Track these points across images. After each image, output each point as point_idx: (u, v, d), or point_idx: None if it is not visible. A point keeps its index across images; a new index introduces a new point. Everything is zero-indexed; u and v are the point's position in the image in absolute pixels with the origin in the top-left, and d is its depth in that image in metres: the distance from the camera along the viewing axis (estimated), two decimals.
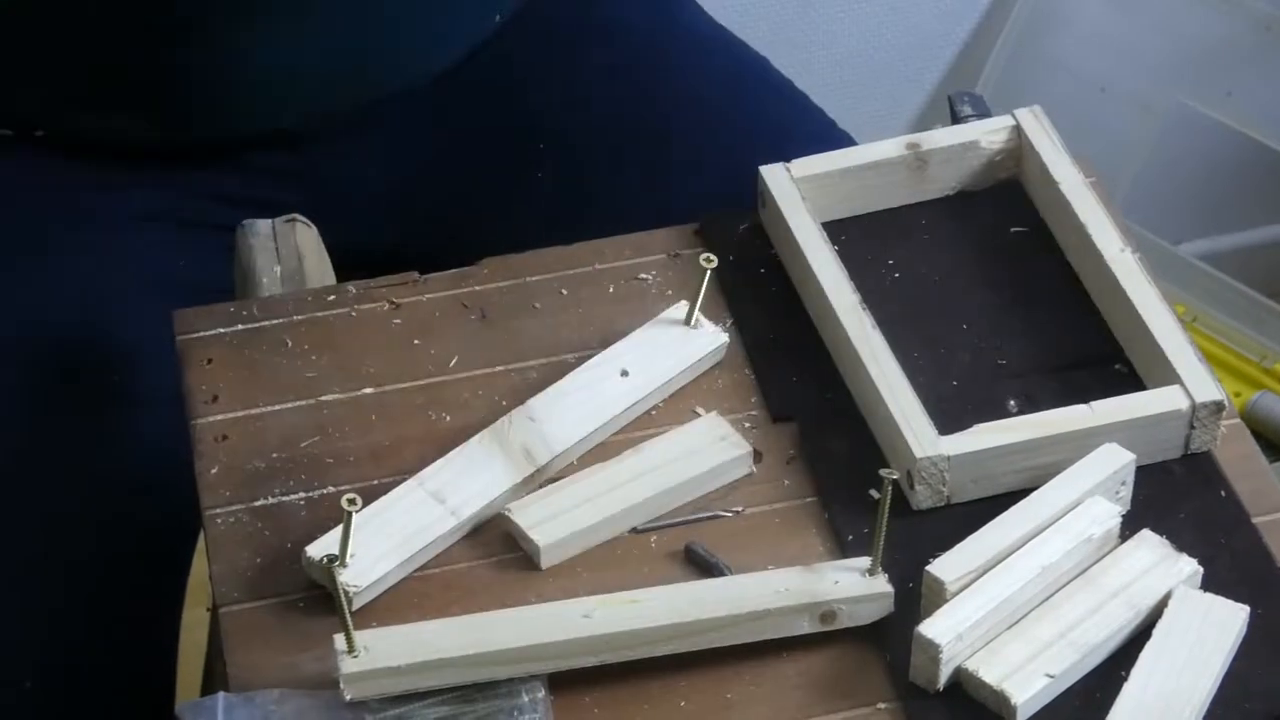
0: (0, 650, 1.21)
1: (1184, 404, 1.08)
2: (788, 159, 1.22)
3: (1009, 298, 1.18)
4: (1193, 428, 1.09)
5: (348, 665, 0.98)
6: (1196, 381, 1.09)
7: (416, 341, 1.17)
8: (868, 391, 1.10)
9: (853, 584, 1.02)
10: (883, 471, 0.99)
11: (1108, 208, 1.19)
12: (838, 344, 1.14)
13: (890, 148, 1.22)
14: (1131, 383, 1.13)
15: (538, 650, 0.99)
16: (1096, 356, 1.15)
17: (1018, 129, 1.23)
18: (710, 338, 1.15)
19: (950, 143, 1.22)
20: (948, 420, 1.08)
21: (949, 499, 1.07)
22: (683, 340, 1.14)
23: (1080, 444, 1.06)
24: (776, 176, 1.20)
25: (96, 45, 1.27)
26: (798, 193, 1.19)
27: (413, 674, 0.98)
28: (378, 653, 0.98)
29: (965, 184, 1.23)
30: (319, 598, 1.04)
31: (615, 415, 1.11)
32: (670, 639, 1.00)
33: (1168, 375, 1.10)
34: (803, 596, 1.01)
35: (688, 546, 1.06)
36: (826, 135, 1.38)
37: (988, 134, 1.23)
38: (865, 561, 1.02)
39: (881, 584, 1.02)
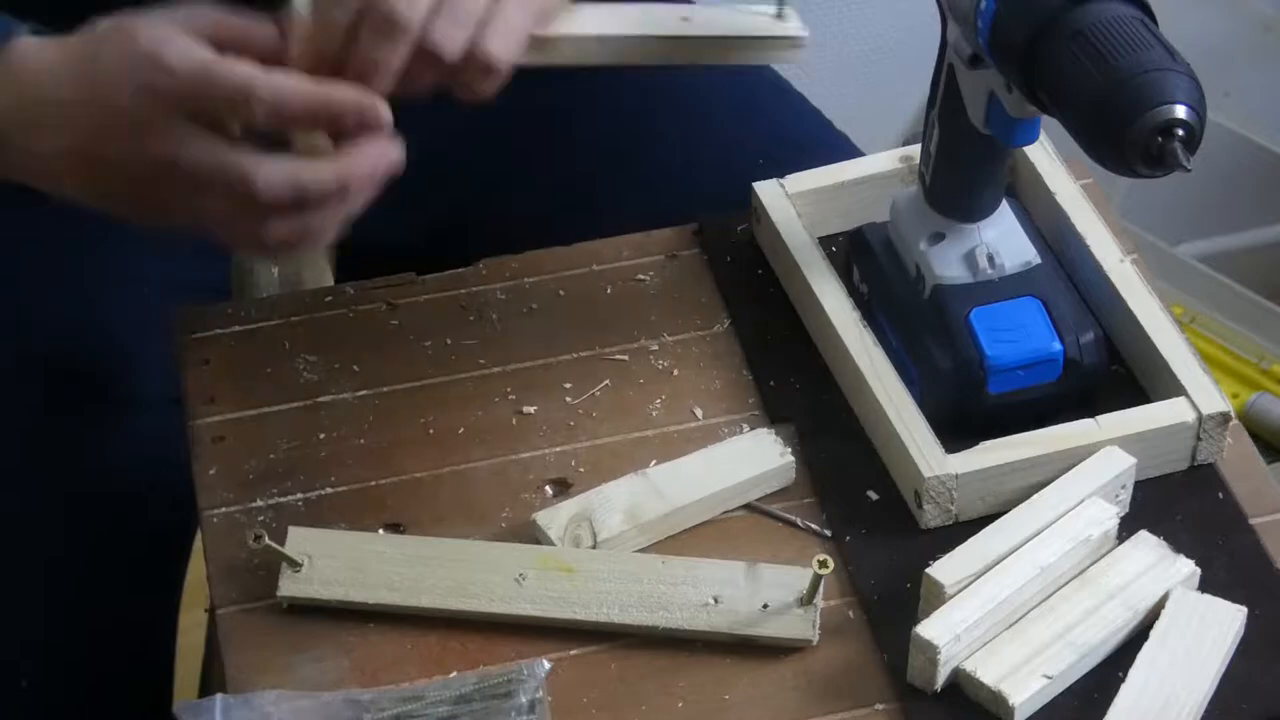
0: (0, 649, 1.21)
1: (1190, 416, 1.08)
2: (786, 161, 1.21)
3: None
4: (1199, 439, 1.08)
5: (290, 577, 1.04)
6: (1202, 393, 1.08)
7: (414, 342, 1.17)
8: (873, 410, 1.10)
9: (778, 617, 1.02)
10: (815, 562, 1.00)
11: (1105, 215, 1.19)
12: (839, 361, 1.13)
13: (884, 161, 1.22)
14: (1129, 383, 1.13)
15: (466, 601, 1.03)
16: None
17: None
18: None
19: None
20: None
21: (957, 517, 1.07)
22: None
23: (1086, 459, 1.06)
24: (770, 192, 1.20)
25: None
26: (793, 209, 1.19)
27: (346, 586, 1.04)
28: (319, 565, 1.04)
29: None
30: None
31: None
32: (594, 619, 1.03)
33: (1172, 387, 1.09)
34: (722, 622, 1.02)
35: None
36: (825, 137, 1.38)
37: None
38: (805, 578, 1.02)
39: (806, 627, 1.02)
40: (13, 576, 1.22)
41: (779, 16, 1.11)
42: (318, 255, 1.25)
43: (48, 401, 1.24)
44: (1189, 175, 0.94)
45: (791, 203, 1.19)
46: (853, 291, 1.15)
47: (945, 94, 1.08)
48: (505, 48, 1.03)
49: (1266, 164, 2.07)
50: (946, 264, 1.10)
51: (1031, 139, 1.06)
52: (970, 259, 1.10)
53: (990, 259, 1.10)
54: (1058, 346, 1.09)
